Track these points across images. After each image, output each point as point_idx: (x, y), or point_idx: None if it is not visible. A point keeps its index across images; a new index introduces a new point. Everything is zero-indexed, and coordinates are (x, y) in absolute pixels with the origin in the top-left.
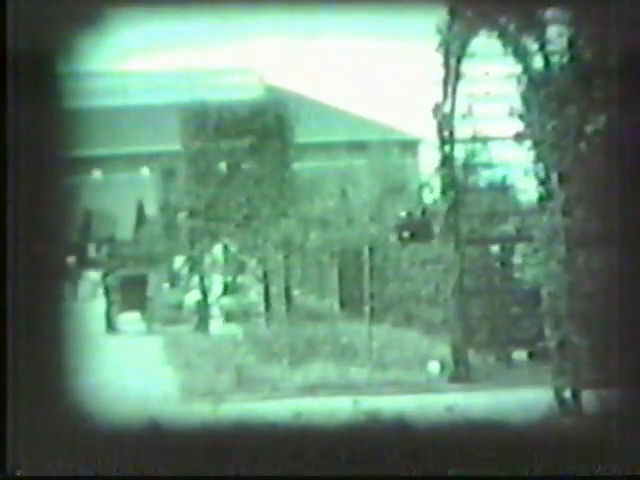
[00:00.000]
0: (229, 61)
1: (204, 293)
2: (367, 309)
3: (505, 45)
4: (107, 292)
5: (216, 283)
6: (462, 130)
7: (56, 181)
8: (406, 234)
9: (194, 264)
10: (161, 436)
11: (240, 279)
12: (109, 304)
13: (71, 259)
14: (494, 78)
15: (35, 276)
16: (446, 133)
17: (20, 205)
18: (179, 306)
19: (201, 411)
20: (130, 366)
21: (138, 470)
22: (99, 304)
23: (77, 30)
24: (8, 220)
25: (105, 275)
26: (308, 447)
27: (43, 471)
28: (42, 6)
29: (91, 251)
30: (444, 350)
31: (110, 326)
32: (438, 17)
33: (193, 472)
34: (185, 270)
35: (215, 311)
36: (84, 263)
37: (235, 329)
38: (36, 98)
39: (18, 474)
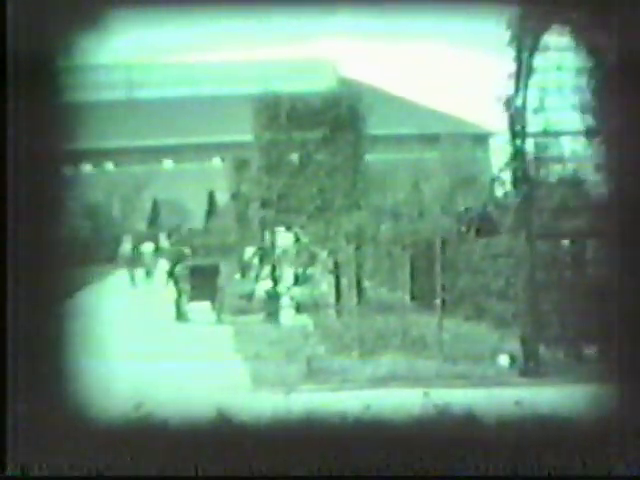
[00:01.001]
0: (303, 54)
1: (275, 283)
2: (438, 302)
3: (577, 39)
4: (177, 281)
5: (287, 274)
6: (533, 123)
7: (56, 180)
8: (470, 228)
9: (265, 254)
10: (230, 426)
11: (311, 270)
12: (179, 293)
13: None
14: (566, 71)
15: (35, 275)
16: (518, 126)
17: (20, 203)
18: (250, 296)
19: (271, 401)
20: (199, 355)
21: (208, 461)
22: (170, 293)
23: (77, 30)
24: (9, 220)
25: (175, 264)
26: (377, 439)
27: (47, 470)
28: (42, 6)
29: (162, 240)
30: (514, 344)
31: (180, 315)
32: (510, 12)
33: (263, 462)
34: (256, 260)
35: (286, 302)
36: (155, 252)
37: (305, 320)
38: (36, 97)
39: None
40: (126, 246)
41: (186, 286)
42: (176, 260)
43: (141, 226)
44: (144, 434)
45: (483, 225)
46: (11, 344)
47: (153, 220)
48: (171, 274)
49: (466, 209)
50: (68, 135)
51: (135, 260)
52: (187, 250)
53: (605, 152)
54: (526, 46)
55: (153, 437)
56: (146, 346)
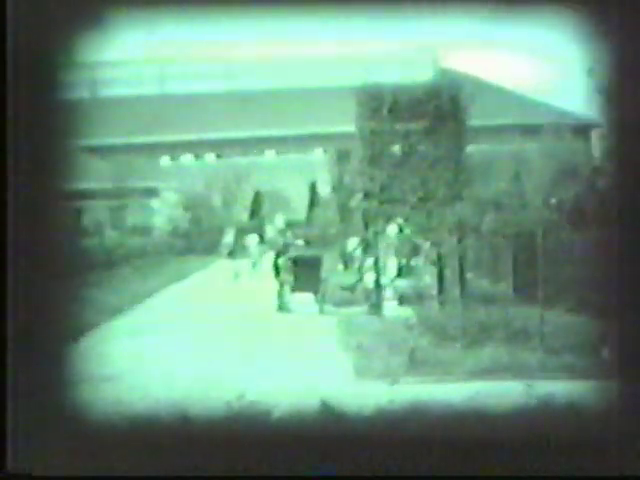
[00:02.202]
0: (404, 43)
1: (378, 275)
2: (540, 293)
3: None
4: (278, 272)
5: (390, 265)
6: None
7: (57, 179)
8: (570, 218)
9: (368, 246)
10: (333, 417)
11: (414, 261)
12: (281, 284)
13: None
14: None
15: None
16: (618, 118)
17: (21, 203)
18: (352, 288)
19: (374, 392)
20: (302, 347)
21: (311, 450)
22: (273, 284)
23: (77, 29)
24: (9, 219)
25: (278, 256)
26: (480, 430)
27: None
28: (42, 6)
29: (266, 231)
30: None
31: (282, 306)
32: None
33: (366, 452)
34: (359, 252)
35: (389, 293)
36: (260, 243)
37: (408, 312)
38: (36, 97)
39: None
40: (228, 237)
41: (289, 277)
42: (279, 251)
43: (242, 217)
44: (247, 424)
45: (582, 215)
46: (11, 343)
47: (255, 211)
48: (274, 265)
49: (565, 200)
50: (68, 133)
51: (238, 251)
52: (289, 241)
53: None
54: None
55: (256, 427)
56: (249, 337)
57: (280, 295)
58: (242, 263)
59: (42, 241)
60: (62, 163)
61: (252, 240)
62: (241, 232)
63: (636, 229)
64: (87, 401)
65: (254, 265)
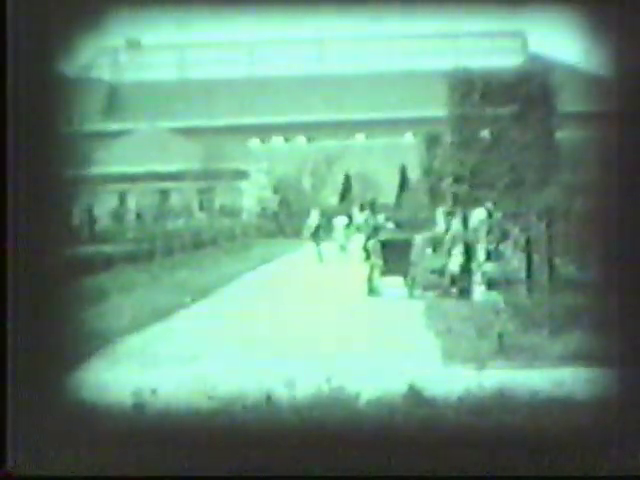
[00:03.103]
0: (493, 25)
1: (467, 259)
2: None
3: None
4: (369, 256)
5: (479, 250)
6: None
7: (58, 179)
8: None
9: (457, 230)
10: (421, 400)
11: (502, 246)
12: (371, 268)
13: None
14: None
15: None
16: None
17: (21, 204)
18: (441, 272)
19: (462, 376)
20: (391, 330)
21: (398, 432)
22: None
23: (77, 30)
24: (8, 219)
25: (368, 239)
26: (567, 416)
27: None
28: (42, 6)
29: (355, 214)
30: None
31: (372, 290)
32: None
33: (455, 435)
34: (447, 236)
35: (477, 278)
36: (348, 226)
37: (496, 296)
38: (35, 97)
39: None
40: (313, 220)
41: (378, 261)
42: (368, 235)
43: (332, 200)
44: (334, 406)
45: None
46: (11, 343)
47: (344, 194)
48: (364, 249)
49: None
50: (67, 132)
51: (322, 234)
52: (379, 224)
53: None
54: None
55: (343, 409)
56: (337, 320)
57: (370, 279)
58: (328, 246)
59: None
60: (62, 151)
61: (340, 223)
62: (329, 214)
63: None
64: (87, 400)
65: (342, 248)
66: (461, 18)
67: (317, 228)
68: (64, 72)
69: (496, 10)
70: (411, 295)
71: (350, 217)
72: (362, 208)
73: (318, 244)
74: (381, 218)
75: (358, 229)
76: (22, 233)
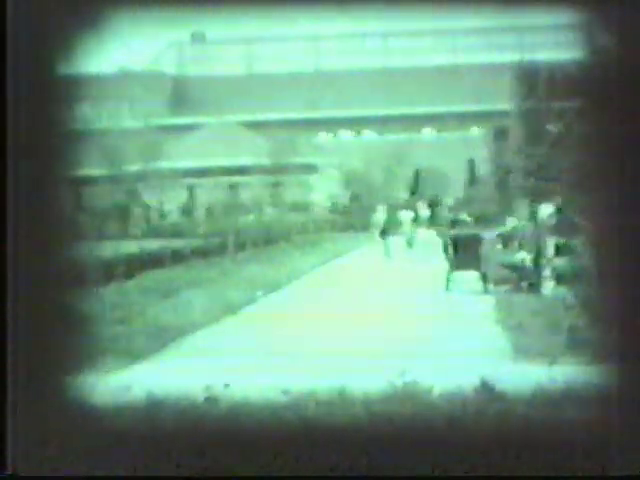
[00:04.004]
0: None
1: (537, 254)
2: None
3: None
4: (446, 251)
5: (549, 244)
6: None
7: (58, 178)
8: None
9: (526, 224)
10: (492, 395)
11: (573, 241)
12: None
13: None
14: None
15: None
16: None
17: (20, 204)
18: (511, 267)
19: (533, 372)
20: (462, 324)
21: (469, 427)
22: (427, 262)
23: (78, 30)
24: (8, 219)
25: (438, 233)
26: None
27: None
28: (43, 6)
29: (422, 209)
30: None
31: (446, 285)
32: None
33: (525, 430)
34: (517, 230)
35: (547, 272)
36: (415, 221)
37: (566, 291)
38: (36, 98)
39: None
40: (379, 214)
41: (450, 255)
42: (438, 229)
43: (402, 194)
44: (409, 401)
45: None
46: (11, 342)
47: (414, 189)
48: (444, 244)
49: None
50: (67, 136)
51: (391, 229)
52: (455, 219)
53: None
54: None
55: (415, 404)
56: (409, 315)
57: (448, 274)
58: (396, 240)
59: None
60: (63, 153)
61: (407, 217)
62: (395, 209)
63: None
64: (88, 401)
65: (409, 243)
66: (523, 11)
67: (384, 223)
68: (66, 71)
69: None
70: (485, 290)
71: (417, 212)
72: (431, 203)
73: (385, 239)
74: (450, 213)
75: (425, 224)
76: (22, 233)
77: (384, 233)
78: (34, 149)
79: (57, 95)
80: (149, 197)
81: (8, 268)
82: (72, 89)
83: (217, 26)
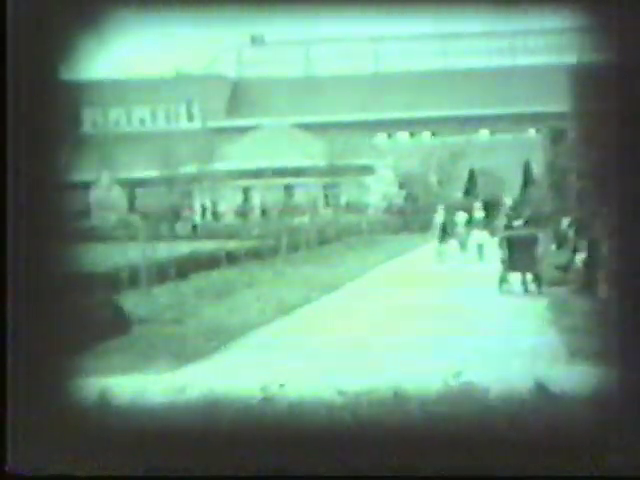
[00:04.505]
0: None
1: (591, 255)
2: None
3: None
4: (500, 252)
5: (603, 246)
6: None
7: (57, 179)
8: None
9: (582, 226)
10: (547, 397)
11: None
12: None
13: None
14: None
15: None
16: None
17: (19, 205)
18: (566, 267)
19: (588, 373)
20: (517, 326)
21: (523, 429)
22: (480, 264)
23: (78, 30)
24: (8, 216)
25: (493, 235)
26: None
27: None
28: (42, 6)
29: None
30: None
31: (500, 286)
32: None
33: (580, 432)
34: (572, 232)
35: (602, 274)
36: (469, 223)
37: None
38: (36, 98)
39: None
40: (439, 216)
41: (504, 257)
42: (493, 231)
43: (457, 195)
44: (462, 402)
45: None
46: (11, 341)
47: (469, 190)
48: (500, 244)
49: None
50: (67, 134)
51: (447, 230)
52: (505, 220)
53: None
54: None
55: (471, 405)
56: (463, 316)
57: (502, 275)
58: (450, 242)
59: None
60: (62, 157)
61: (461, 219)
62: (451, 210)
63: None
64: (89, 400)
65: (462, 245)
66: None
67: (443, 225)
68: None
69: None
70: (536, 291)
71: (470, 213)
72: (485, 204)
73: (442, 241)
74: (504, 214)
75: (479, 225)
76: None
77: (443, 235)
78: (33, 150)
79: (57, 95)
80: (204, 199)
81: (8, 269)
82: (74, 91)
83: (276, 28)
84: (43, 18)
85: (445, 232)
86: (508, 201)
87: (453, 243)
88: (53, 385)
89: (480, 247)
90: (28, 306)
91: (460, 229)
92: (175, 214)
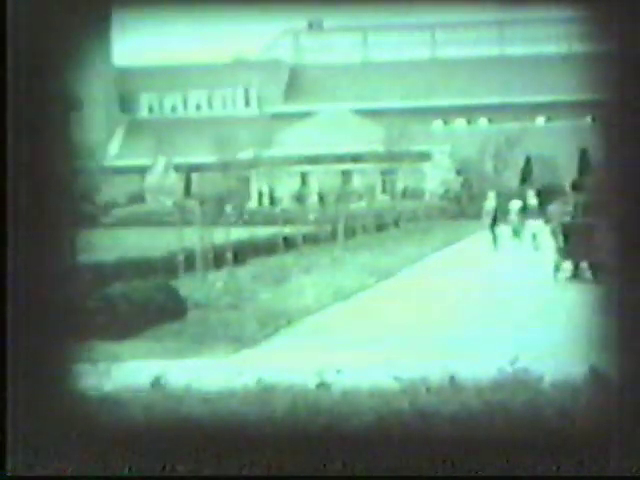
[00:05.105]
0: None
1: None
2: None
3: None
4: (555, 240)
5: None
6: None
7: (57, 179)
8: None
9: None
10: (600, 384)
11: None
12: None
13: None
14: None
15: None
16: None
17: (20, 202)
18: None
19: None
20: (572, 314)
21: (579, 413)
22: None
23: (78, 29)
24: (8, 213)
25: (547, 223)
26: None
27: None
28: (42, 6)
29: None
30: None
31: (555, 274)
32: None
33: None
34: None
35: None
36: (523, 210)
37: None
38: (36, 97)
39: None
40: (490, 203)
41: (560, 245)
42: (549, 218)
43: (513, 182)
44: (519, 387)
45: None
46: (11, 341)
47: (525, 177)
48: (552, 233)
49: None
50: (70, 135)
51: (500, 217)
52: (563, 208)
53: None
54: None
55: (526, 391)
56: (520, 303)
57: (557, 263)
58: (504, 229)
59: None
60: (61, 162)
61: (515, 206)
62: (505, 197)
63: None
64: (90, 399)
65: (515, 232)
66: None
67: (494, 211)
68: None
69: None
70: (593, 279)
71: (525, 200)
72: (541, 191)
73: (494, 228)
74: (560, 201)
75: (534, 213)
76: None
77: (493, 221)
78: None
79: (56, 95)
80: (261, 184)
81: (8, 268)
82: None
83: (333, 14)
84: (43, 17)
85: (494, 219)
86: (564, 188)
87: (506, 230)
88: (54, 384)
89: (534, 235)
90: (28, 304)
91: (513, 217)
92: (235, 199)
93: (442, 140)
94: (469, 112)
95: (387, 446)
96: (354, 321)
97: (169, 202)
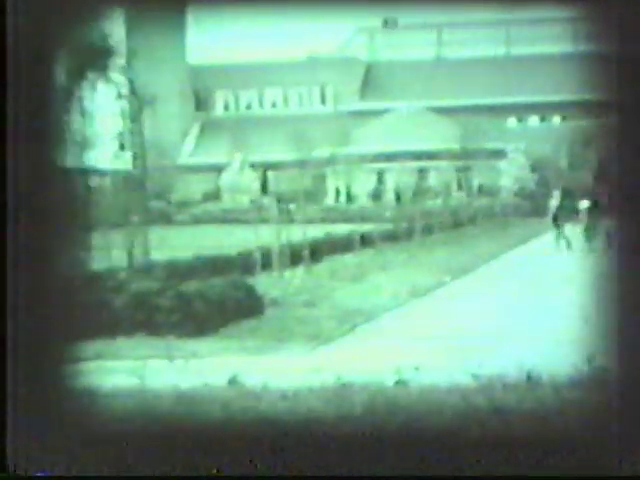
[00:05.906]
0: None
1: None
2: None
3: None
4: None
5: None
6: None
7: (57, 179)
8: None
9: None
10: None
11: None
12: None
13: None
14: None
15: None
16: None
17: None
18: None
19: None
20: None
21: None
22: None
23: (78, 28)
24: (8, 216)
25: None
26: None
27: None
28: (42, 5)
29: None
30: None
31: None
32: None
33: None
34: None
35: None
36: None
37: None
38: (36, 96)
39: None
40: (555, 201)
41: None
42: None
43: (587, 180)
44: (592, 386)
45: None
46: (11, 340)
47: (597, 173)
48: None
49: None
50: (65, 134)
51: (564, 215)
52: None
53: None
54: None
55: (601, 390)
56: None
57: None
58: (572, 229)
59: None
60: (58, 159)
61: (584, 205)
62: (571, 195)
63: None
64: (90, 399)
65: (587, 232)
66: None
67: (556, 209)
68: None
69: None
70: None
71: (597, 199)
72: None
73: (559, 226)
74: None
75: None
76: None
77: (556, 220)
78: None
79: (57, 94)
80: (337, 182)
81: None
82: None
83: (408, 12)
84: (43, 17)
85: (555, 217)
86: None
87: (577, 230)
88: (54, 385)
89: (608, 235)
90: (29, 302)
91: (583, 215)
92: (312, 197)
93: (517, 137)
94: (543, 109)
95: (465, 444)
96: (431, 318)
97: (245, 200)
